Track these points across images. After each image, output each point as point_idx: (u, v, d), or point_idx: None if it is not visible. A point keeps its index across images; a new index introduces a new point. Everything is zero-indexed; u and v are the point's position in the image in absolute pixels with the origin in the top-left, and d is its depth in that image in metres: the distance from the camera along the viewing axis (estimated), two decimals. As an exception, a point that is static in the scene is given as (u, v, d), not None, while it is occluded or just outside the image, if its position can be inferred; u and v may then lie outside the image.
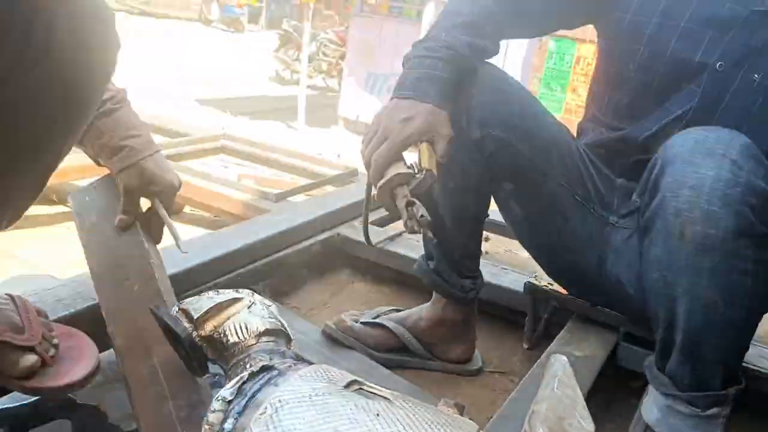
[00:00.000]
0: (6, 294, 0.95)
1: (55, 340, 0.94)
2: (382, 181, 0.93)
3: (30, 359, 0.87)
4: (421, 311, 1.35)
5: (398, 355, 1.32)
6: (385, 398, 0.72)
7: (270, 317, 0.87)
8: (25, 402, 1.09)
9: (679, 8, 1.05)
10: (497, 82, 1.10)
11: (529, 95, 1.17)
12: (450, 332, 1.33)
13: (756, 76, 0.99)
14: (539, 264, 1.30)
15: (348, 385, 0.74)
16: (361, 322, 1.33)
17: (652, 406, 1.01)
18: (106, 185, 1.18)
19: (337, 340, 1.29)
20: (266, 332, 0.84)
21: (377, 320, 1.33)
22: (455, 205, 1.19)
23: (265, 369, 0.75)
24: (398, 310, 1.40)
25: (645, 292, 0.98)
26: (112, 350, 1.23)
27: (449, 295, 1.29)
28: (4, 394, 1.03)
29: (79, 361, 0.93)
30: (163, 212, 1.12)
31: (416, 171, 0.94)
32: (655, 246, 0.91)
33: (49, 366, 0.89)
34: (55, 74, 0.60)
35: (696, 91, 1.04)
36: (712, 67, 1.02)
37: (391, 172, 0.93)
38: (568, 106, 5.09)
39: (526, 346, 1.42)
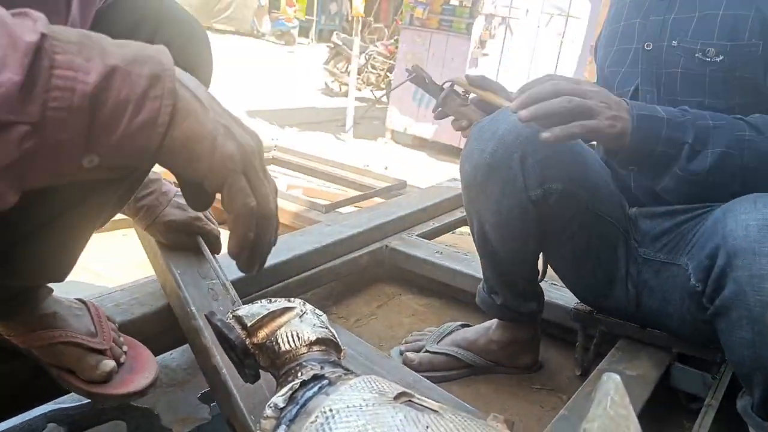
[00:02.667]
0: (77, 299, 0.99)
1: (125, 347, 0.98)
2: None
3: (109, 364, 0.91)
4: (490, 333, 1.38)
5: (466, 372, 1.39)
6: (434, 411, 0.72)
7: (321, 326, 0.88)
8: (83, 402, 1.13)
9: (620, 13, 1.21)
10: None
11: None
12: (520, 348, 1.38)
13: (674, 42, 1.09)
14: (581, 301, 1.35)
15: (397, 397, 0.74)
16: (428, 351, 1.38)
17: None
18: None
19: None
20: (317, 341, 0.85)
21: (446, 351, 1.37)
22: (514, 251, 1.23)
23: (316, 378, 0.76)
24: (466, 325, 1.43)
25: (730, 358, 1.00)
26: (164, 356, 1.27)
27: (518, 319, 1.34)
28: (63, 394, 1.07)
29: (141, 370, 0.96)
30: (205, 250, 1.18)
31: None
32: (741, 330, 0.92)
33: (114, 373, 0.93)
34: None
35: (637, 71, 1.16)
36: (642, 50, 1.14)
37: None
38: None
39: (578, 372, 1.40)
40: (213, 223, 1.22)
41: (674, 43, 1.08)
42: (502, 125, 1.11)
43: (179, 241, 1.18)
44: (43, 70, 0.42)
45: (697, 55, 1.05)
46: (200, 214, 1.18)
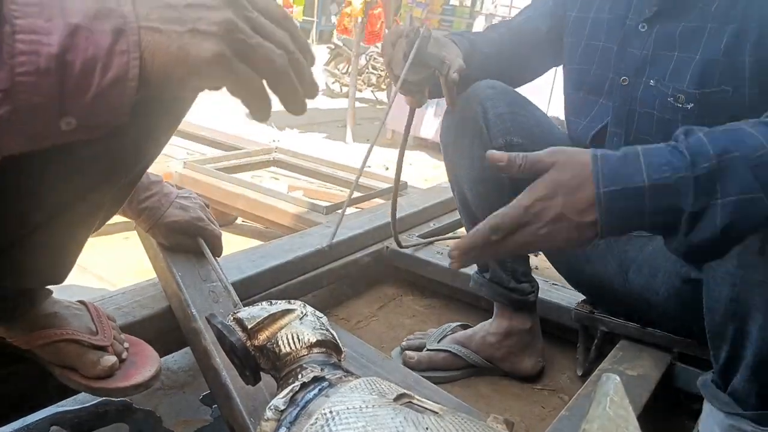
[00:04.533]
0: (78, 301, 1.00)
1: (126, 344, 0.98)
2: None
3: (110, 359, 0.91)
4: (487, 327, 1.38)
5: (467, 372, 1.39)
6: (435, 412, 0.72)
7: (321, 328, 0.89)
8: (86, 405, 1.13)
9: (598, 28, 1.20)
10: (509, 95, 1.21)
11: (532, 104, 1.26)
12: (519, 343, 1.37)
13: (651, 81, 1.07)
14: (566, 279, 1.37)
15: (397, 398, 0.74)
16: (428, 349, 1.38)
17: (713, 426, 0.98)
18: None
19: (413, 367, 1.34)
20: (318, 343, 0.85)
21: (445, 348, 1.38)
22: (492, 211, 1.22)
23: (316, 380, 0.77)
24: (465, 326, 1.43)
25: (706, 310, 0.96)
26: (166, 359, 1.28)
27: (512, 301, 1.33)
28: (66, 397, 1.07)
29: (144, 364, 0.96)
30: (206, 251, 1.19)
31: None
32: (727, 262, 0.88)
33: (116, 368, 0.93)
34: None
35: (609, 105, 1.16)
36: (618, 82, 1.13)
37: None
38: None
39: (579, 373, 1.40)
40: (214, 224, 1.22)
41: (651, 82, 1.07)
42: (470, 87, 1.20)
43: (181, 243, 1.18)
44: (6, 36, 0.42)
45: (669, 99, 1.04)
46: (202, 215, 1.19)
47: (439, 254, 1.71)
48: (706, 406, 1.00)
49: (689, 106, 1.00)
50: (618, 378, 0.71)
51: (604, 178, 0.70)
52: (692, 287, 1.04)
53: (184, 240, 1.17)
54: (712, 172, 0.68)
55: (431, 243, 1.78)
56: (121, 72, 0.48)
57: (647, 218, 0.71)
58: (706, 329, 0.96)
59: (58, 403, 1.09)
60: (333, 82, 8.57)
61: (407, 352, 1.38)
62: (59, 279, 0.88)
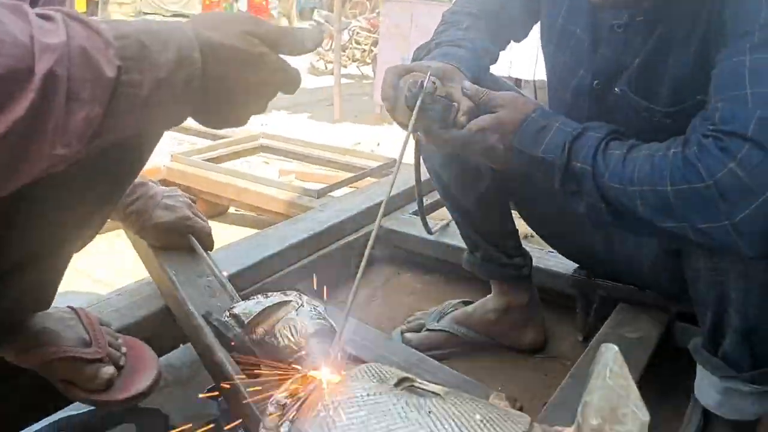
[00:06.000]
0: (68, 307, 0.99)
1: (123, 349, 0.98)
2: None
3: (107, 371, 0.92)
4: (486, 304, 1.38)
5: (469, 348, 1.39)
6: (437, 394, 0.73)
7: (318, 318, 0.89)
8: (92, 409, 1.13)
9: (571, 28, 1.09)
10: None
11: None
12: (519, 317, 1.37)
13: (617, 89, 1.02)
14: (557, 251, 1.36)
15: (398, 383, 0.75)
16: (428, 329, 1.39)
17: (708, 389, 0.99)
18: None
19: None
20: (315, 333, 0.85)
21: (444, 328, 1.38)
22: (476, 190, 1.23)
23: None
24: (466, 303, 1.43)
25: (688, 280, 0.98)
26: (168, 356, 1.28)
27: (507, 277, 1.33)
28: (72, 402, 1.07)
29: (143, 370, 0.96)
30: (198, 248, 1.18)
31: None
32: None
33: (115, 378, 0.93)
34: None
35: (584, 107, 1.08)
36: (590, 86, 1.06)
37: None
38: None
39: (580, 338, 1.41)
40: (203, 220, 1.21)
41: (617, 90, 1.01)
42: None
43: (171, 242, 1.17)
44: (115, 102, 0.53)
45: (643, 114, 0.99)
46: (189, 213, 1.18)
47: (434, 231, 1.70)
48: (700, 370, 1.01)
49: (668, 121, 0.96)
50: (617, 348, 0.71)
51: (519, 137, 0.93)
52: (675, 258, 1.03)
53: (173, 239, 1.17)
54: (577, 174, 0.87)
55: (448, 225, 1.75)
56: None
57: (538, 177, 0.95)
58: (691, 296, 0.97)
59: (64, 408, 1.09)
60: (317, 60, 8.49)
61: (407, 334, 1.38)
62: (45, 306, 0.88)
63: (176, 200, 1.17)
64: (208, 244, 1.21)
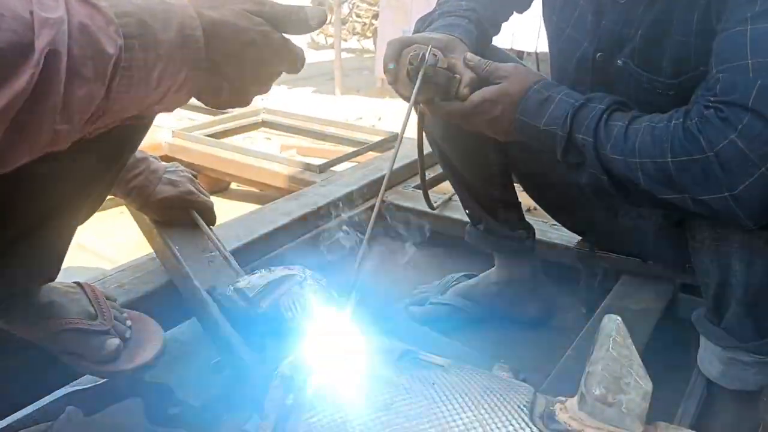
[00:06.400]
0: (74, 282, 1.00)
1: (129, 322, 0.99)
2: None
3: (113, 343, 0.92)
4: (489, 276, 1.39)
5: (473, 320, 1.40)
6: (440, 366, 0.73)
7: (322, 292, 0.89)
8: (99, 383, 1.14)
9: (574, 0, 1.07)
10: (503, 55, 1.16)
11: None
12: (522, 289, 1.38)
13: (619, 61, 1.01)
14: (557, 221, 1.36)
15: (402, 355, 0.75)
16: (432, 303, 1.39)
17: (711, 359, 0.99)
18: None
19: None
20: (319, 307, 0.86)
21: (447, 302, 1.39)
22: (478, 162, 1.23)
23: (321, 344, 0.77)
24: (469, 276, 1.43)
25: (691, 251, 0.97)
26: (173, 330, 1.28)
27: (509, 249, 1.33)
28: (80, 376, 1.08)
29: (148, 342, 0.97)
30: (201, 223, 1.18)
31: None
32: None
33: (121, 349, 0.94)
34: None
35: (588, 79, 1.06)
36: (593, 58, 1.05)
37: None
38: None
39: (583, 310, 1.41)
40: (205, 195, 1.21)
41: (619, 62, 1.00)
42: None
43: (174, 217, 1.17)
44: (117, 80, 0.52)
45: (645, 86, 0.98)
46: (191, 188, 1.17)
47: (436, 204, 1.70)
48: (703, 341, 1.02)
49: (671, 93, 0.95)
50: (619, 318, 0.71)
51: (522, 108, 0.93)
52: (678, 229, 1.03)
53: (176, 214, 1.17)
54: (579, 145, 0.88)
55: (450, 199, 1.74)
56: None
57: (541, 148, 0.95)
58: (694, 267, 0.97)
59: (72, 383, 1.10)
60: (318, 34, 8.40)
61: (411, 308, 1.39)
62: (51, 276, 0.88)
63: (178, 175, 1.17)
64: (210, 218, 1.21)
